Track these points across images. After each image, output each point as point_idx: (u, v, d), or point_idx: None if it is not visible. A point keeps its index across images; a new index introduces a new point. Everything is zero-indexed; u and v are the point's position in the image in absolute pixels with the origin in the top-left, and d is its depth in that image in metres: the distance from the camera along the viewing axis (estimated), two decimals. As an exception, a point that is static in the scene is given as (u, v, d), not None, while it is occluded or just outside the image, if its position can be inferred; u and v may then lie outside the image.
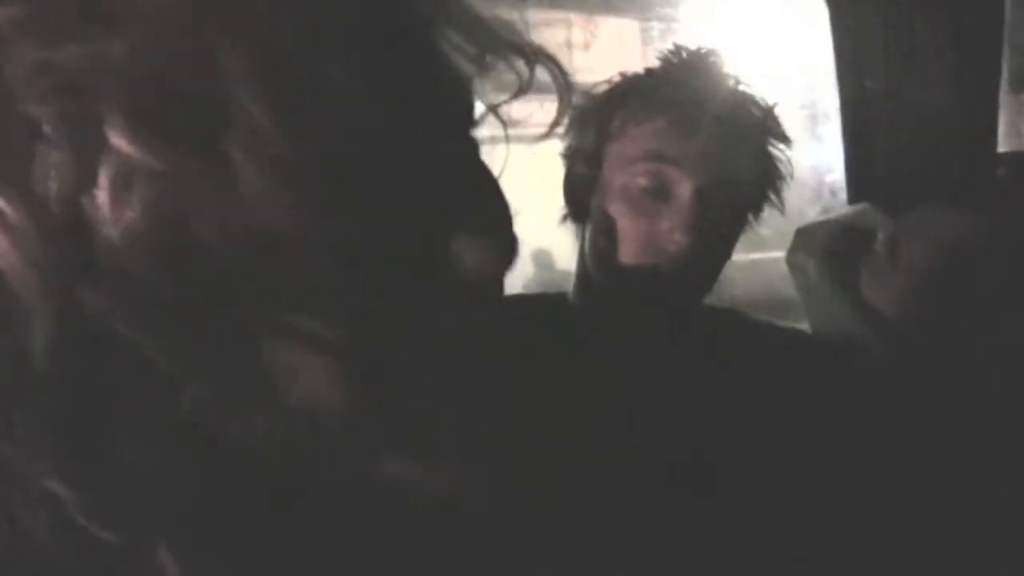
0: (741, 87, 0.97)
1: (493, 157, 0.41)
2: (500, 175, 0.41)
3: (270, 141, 0.29)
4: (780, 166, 0.99)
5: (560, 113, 0.40)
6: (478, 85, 0.38)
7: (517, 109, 0.39)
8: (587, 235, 0.97)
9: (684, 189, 0.90)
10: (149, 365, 0.31)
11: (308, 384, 0.33)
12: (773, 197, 1.00)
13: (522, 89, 0.38)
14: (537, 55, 0.38)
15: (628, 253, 0.92)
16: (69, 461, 0.30)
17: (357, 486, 0.35)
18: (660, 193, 0.91)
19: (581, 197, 0.98)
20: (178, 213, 0.29)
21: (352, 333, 0.32)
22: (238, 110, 0.29)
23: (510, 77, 0.38)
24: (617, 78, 0.99)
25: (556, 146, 1.00)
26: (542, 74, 0.39)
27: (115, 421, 0.31)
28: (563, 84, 0.39)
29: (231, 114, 0.29)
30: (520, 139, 0.42)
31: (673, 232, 0.90)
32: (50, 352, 0.29)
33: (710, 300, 0.99)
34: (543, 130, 0.43)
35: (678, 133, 0.91)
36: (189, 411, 0.32)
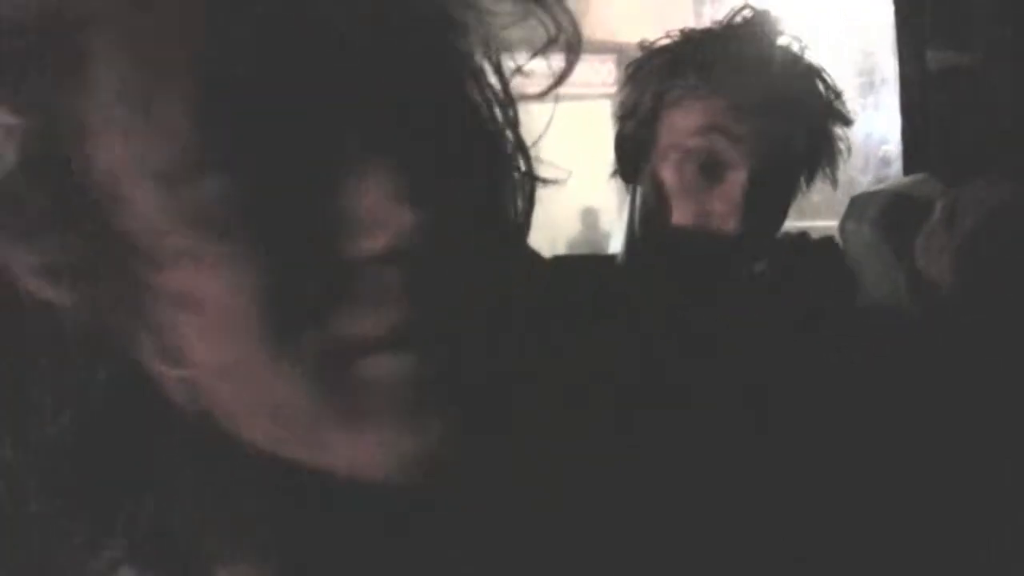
0: (807, 60, 0.95)
1: (540, 114, 0.40)
2: (546, 132, 0.40)
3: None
4: (839, 144, 0.99)
5: (567, 70, 0.38)
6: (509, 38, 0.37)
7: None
8: (637, 199, 0.96)
9: (738, 172, 0.90)
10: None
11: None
12: (827, 171, 1.00)
13: (550, 42, 0.37)
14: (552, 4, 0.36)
15: (678, 224, 0.91)
16: None
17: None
18: (714, 174, 0.90)
19: (633, 159, 0.97)
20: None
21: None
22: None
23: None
24: (674, 35, 0.97)
25: (604, 104, 0.99)
26: (595, 32, 0.37)
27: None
28: (574, 38, 0.37)
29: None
30: (567, 97, 0.41)
31: (725, 218, 0.90)
32: None
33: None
34: (593, 89, 0.42)
35: (736, 115, 0.90)
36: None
